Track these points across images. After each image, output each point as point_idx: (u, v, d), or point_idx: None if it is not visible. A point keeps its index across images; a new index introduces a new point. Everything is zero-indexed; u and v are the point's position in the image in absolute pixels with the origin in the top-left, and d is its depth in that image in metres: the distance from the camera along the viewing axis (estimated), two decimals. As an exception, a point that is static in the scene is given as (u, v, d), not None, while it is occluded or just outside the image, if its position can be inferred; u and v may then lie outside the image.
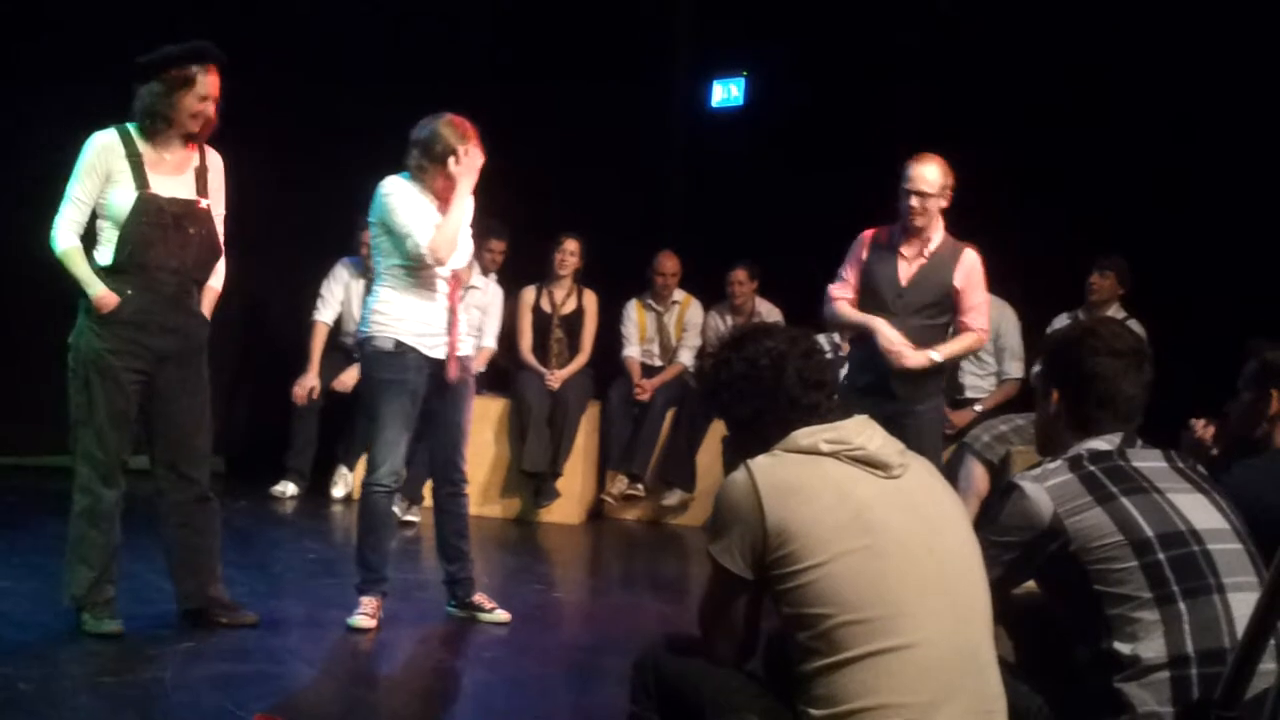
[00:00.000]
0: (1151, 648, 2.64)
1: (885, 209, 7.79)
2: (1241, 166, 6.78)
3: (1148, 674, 2.63)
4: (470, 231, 5.04)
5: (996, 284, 7.48)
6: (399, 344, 4.83)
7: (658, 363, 8.16)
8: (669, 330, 8.18)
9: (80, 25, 7.42)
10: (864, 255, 5.46)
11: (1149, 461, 2.88)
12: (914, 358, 5.28)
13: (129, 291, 4.42)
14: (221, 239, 4.65)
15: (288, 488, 7.63)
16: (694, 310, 8.21)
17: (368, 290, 7.84)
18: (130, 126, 4.49)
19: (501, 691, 4.53)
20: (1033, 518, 2.79)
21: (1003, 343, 7.46)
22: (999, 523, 2.86)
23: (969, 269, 5.42)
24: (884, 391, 5.29)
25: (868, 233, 5.51)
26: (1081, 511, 2.75)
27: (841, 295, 5.51)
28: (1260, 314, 5.57)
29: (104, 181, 4.42)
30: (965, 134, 7.64)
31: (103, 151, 4.44)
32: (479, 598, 5.13)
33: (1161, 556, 2.70)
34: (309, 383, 7.72)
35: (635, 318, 8.19)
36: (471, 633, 5.03)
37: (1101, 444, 2.88)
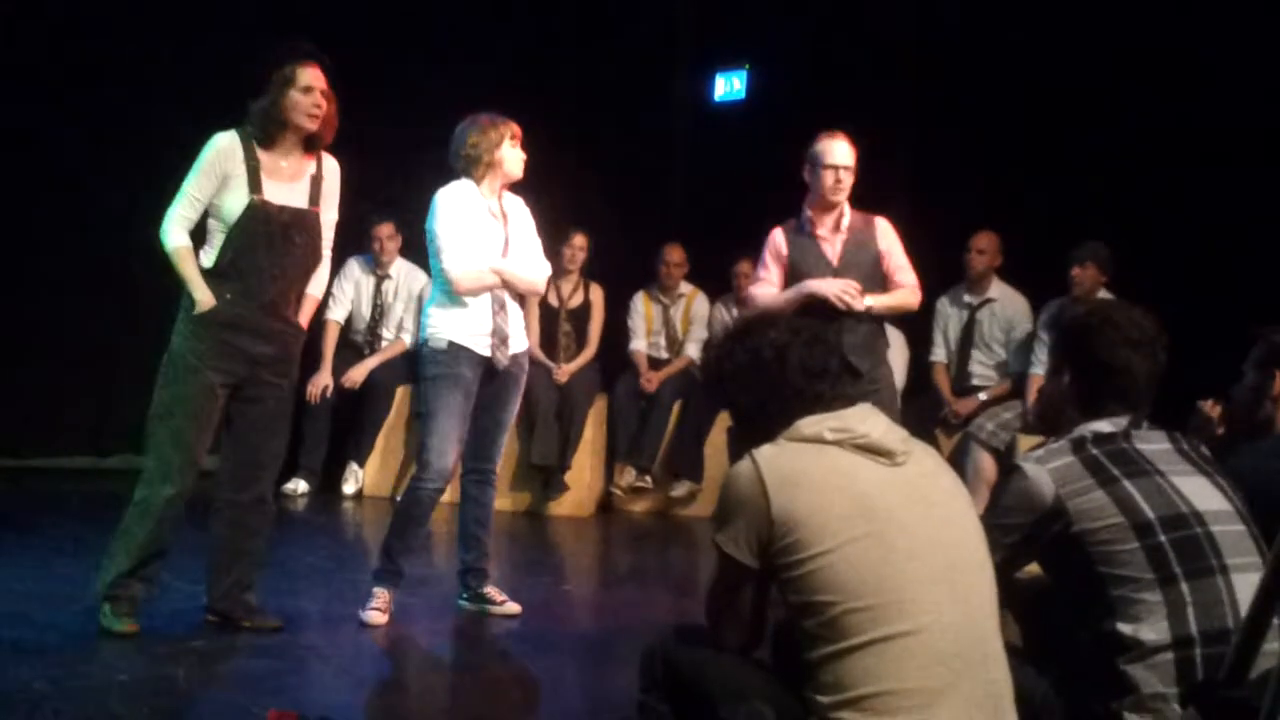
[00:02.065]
0: (1155, 629, 2.66)
1: (890, 201, 7.79)
2: (1244, 152, 6.76)
3: (1152, 655, 2.65)
4: (540, 243, 5.17)
5: (1009, 275, 7.53)
6: (452, 344, 4.90)
7: (664, 355, 8.18)
8: (675, 323, 8.20)
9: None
10: (784, 249, 5.42)
11: (1153, 444, 2.90)
12: (859, 301, 5.21)
13: (227, 295, 4.45)
14: (329, 245, 4.70)
15: (299, 485, 7.65)
16: (700, 303, 8.22)
17: (378, 287, 7.96)
18: (249, 130, 4.52)
19: (514, 684, 4.55)
20: (1035, 499, 2.81)
21: (1015, 335, 7.46)
22: (1001, 505, 2.89)
23: (886, 233, 5.41)
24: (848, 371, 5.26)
25: (776, 229, 5.46)
26: (1084, 494, 2.78)
27: (764, 292, 5.42)
28: (1267, 297, 5.55)
29: (220, 183, 4.45)
30: (966, 124, 7.67)
31: (223, 153, 4.46)
32: (490, 590, 5.15)
33: (1163, 538, 2.72)
34: (322, 381, 7.75)
35: (642, 310, 8.21)
36: (483, 626, 5.05)
37: (1106, 426, 2.90)
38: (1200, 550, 2.72)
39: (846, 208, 5.41)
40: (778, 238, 5.46)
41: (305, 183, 4.59)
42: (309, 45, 4.56)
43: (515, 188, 5.13)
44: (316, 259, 4.66)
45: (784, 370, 2.74)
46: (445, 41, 8.35)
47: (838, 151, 5.33)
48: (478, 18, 8.46)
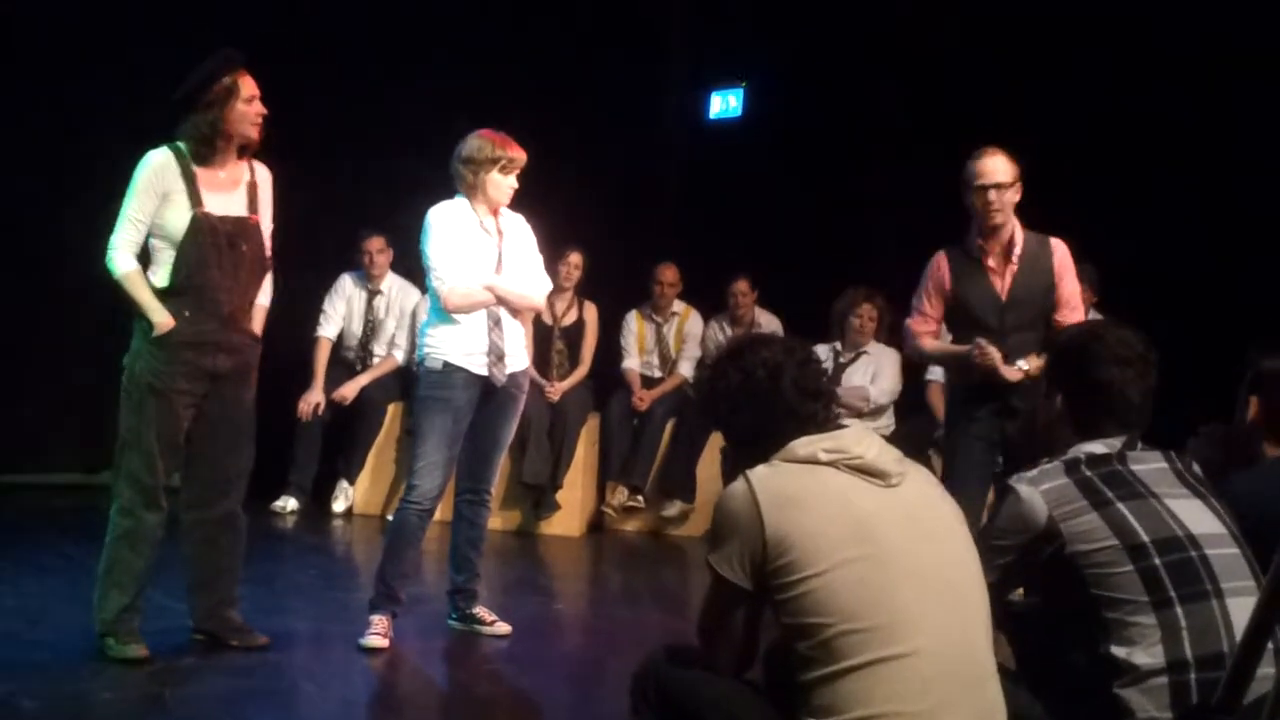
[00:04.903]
0: (1150, 653, 2.65)
1: (887, 220, 7.72)
2: (1241, 165, 6.74)
3: (1146, 679, 2.64)
4: (541, 260, 5.16)
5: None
6: (447, 364, 4.87)
7: (657, 374, 8.16)
8: (668, 341, 8.19)
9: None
10: (947, 280, 5.04)
11: (1148, 464, 2.89)
12: (1009, 371, 4.88)
13: (186, 313, 4.41)
14: (269, 254, 4.65)
15: (289, 503, 7.61)
16: (694, 321, 8.21)
17: (369, 303, 7.95)
18: (181, 145, 4.47)
19: (503, 704, 4.52)
20: (1028, 520, 2.80)
21: None
22: (995, 526, 2.88)
23: (1062, 259, 5.05)
24: (1010, 413, 4.94)
25: (941, 256, 5.08)
26: (1077, 515, 2.77)
27: (925, 330, 5.11)
28: (1266, 315, 5.50)
29: (160, 201, 4.40)
30: (964, 144, 7.67)
31: (159, 170, 4.41)
32: (480, 611, 5.13)
33: (1158, 561, 2.71)
34: (314, 398, 7.73)
35: (635, 329, 8.20)
36: (472, 646, 5.02)
37: (1100, 447, 2.89)
38: (1195, 574, 2.70)
39: (1018, 231, 5.02)
40: (942, 268, 5.07)
41: (242, 191, 4.55)
42: (239, 52, 4.49)
43: (513, 204, 5.11)
44: (265, 266, 4.62)
45: (777, 390, 2.74)
46: (439, 59, 8.34)
47: (988, 169, 4.92)
48: (473, 34, 8.46)
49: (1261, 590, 2.20)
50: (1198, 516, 2.80)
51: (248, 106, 4.46)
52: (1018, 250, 5.00)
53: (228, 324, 4.50)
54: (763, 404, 2.75)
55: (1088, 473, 2.84)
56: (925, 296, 5.10)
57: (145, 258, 4.47)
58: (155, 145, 4.48)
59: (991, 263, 5.00)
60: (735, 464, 2.75)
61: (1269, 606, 2.13)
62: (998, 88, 7.58)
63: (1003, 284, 5.00)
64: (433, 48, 8.36)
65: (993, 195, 4.90)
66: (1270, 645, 2.30)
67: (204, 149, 4.45)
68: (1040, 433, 3.14)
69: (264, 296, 4.67)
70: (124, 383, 4.46)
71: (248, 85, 4.47)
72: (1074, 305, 5.05)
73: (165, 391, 4.40)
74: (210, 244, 4.42)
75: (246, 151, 4.58)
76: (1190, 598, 2.68)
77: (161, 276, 4.44)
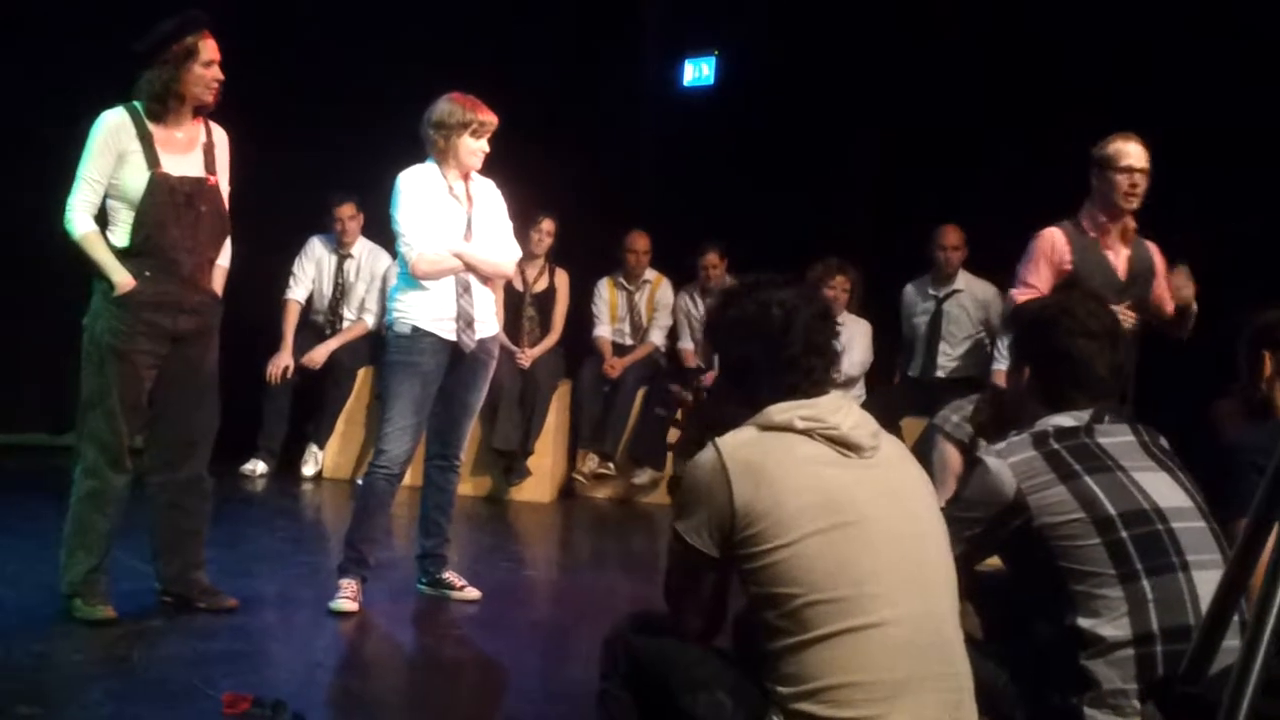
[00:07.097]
0: (1116, 625, 2.67)
1: (859, 190, 7.70)
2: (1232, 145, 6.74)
3: (1113, 651, 2.66)
4: (511, 226, 5.13)
5: (982, 269, 7.51)
6: (415, 329, 4.86)
7: (629, 342, 8.16)
8: (640, 309, 8.19)
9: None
10: (1066, 256, 5.03)
11: (1116, 438, 2.90)
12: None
13: (146, 273, 4.38)
14: (228, 215, 4.62)
15: (258, 466, 7.59)
16: (665, 290, 8.21)
17: (339, 267, 7.91)
18: (137, 105, 4.43)
19: (472, 668, 4.53)
20: (996, 493, 2.81)
21: (993, 324, 7.45)
22: (963, 498, 2.89)
23: (1159, 257, 5.19)
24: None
25: (1056, 232, 5.08)
26: (1044, 488, 2.78)
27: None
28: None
29: (116, 161, 4.37)
30: (938, 113, 7.68)
31: (115, 130, 4.38)
32: (449, 575, 5.14)
33: (1125, 534, 2.72)
34: (283, 361, 7.70)
35: (607, 297, 8.19)
36: (442, 610, 5.03)
37: (1068, 420, 2.90)
38: (1161, 547, 2.72)
39: (1129, 218, 5.12)
40: (1058, 241, 5.07)
41: (199, 152, 4.53)
42: (205, 14, 4.45)
43: (484, 170, 5.08)
44: (225, 227, 4.60)
45: (787, 333, 2.66)
46: (412, 23, 8.27)
47: (1134, 153, 5.02)
48: (443, 2, 8.39)
49: (1228, 563, 2.21)
50: (1165, 490, 2.82)
51: (205, 70, 4.43)
52: (1128, 236, 5.12)
53: (188, 284, 4.48)
54: (767, 342, 2.67)
55: (1055, 445, 2.85)
56: (1035, 269, 5.09)
57: (102, 219, 4.43)
58: (111, 106, 4.45)
59: (1109, 242, 5.08)
60: (713, 408, 2.72)
61: (1235, 579, 2.15)
62: (974, 54, 7.59)
63: (1120, 264, 5.09)
64: (404, 12, 8.29)
65: (1138, 178, 5.01)
66: (1236, 618, 2.32)
67: (156, 106, 4.42)
68: (1008, 406, 3.15)
69: (224, 258, 4.65)
70: (84, 344, 4.44)
71: (208, 49, 4.42)
72: (1169, 299, 5.22)
73: (127, 352, 4.38)
74: (168, 204, 4.40)
75: (202, 113, 4.55)
76: (1157, 570, 2.70)
77: (120, 237, 4.41)
